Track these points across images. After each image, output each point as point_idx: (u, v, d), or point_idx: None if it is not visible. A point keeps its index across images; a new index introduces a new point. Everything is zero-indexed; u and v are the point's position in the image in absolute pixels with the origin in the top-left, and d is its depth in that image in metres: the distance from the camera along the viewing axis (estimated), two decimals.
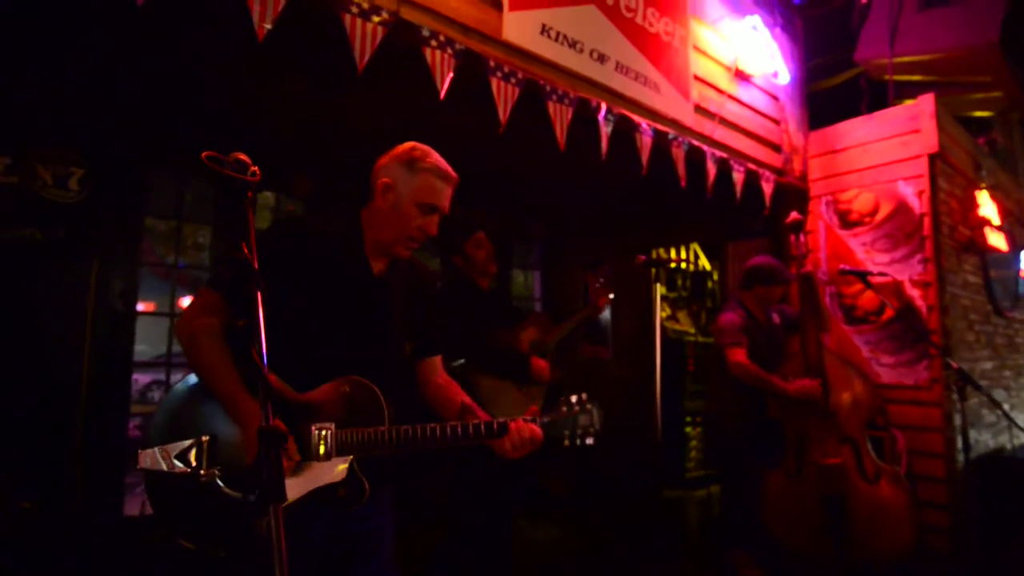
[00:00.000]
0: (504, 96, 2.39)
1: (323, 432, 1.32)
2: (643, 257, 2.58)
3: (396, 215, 1.49)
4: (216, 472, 1.23)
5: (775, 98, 3.95)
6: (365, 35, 2.01)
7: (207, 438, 1.28)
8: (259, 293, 1.09)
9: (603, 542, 3.88)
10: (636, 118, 2.92)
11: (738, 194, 3.51)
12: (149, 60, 2.57)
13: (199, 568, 1.53)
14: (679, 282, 6.01)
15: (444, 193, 1.53)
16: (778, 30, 3.91)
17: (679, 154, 3.13)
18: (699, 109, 3.33)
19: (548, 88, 2.54)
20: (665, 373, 6.09)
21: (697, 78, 3.34)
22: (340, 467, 1.32)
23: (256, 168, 1.22)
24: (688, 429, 5.48)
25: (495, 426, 1.40)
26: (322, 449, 1.31)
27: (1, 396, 2.60)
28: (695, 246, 6.05)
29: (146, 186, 3.50)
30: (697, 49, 3.36)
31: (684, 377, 5.50)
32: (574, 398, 1.43)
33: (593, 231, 5.48)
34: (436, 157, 1.56)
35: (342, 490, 1.31)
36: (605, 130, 2.76)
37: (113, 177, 3.17)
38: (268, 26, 1.83)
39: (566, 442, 1.41)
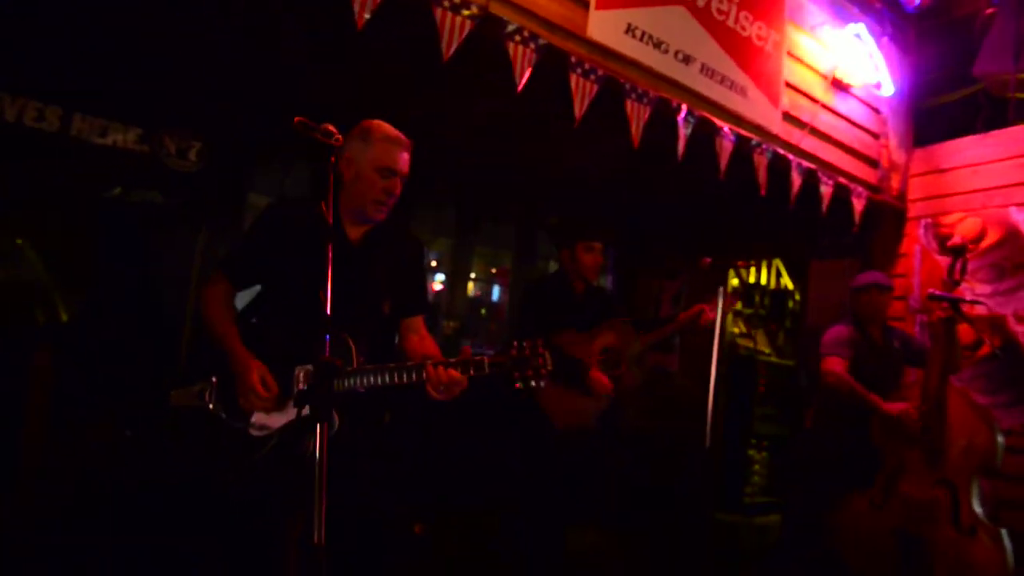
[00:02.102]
0: (582, 92, 2.44)
1: (302, 371, 1.59)
2: (709, 260, 2.54)
3: (360, 183, 1.68)
4: (221, 407, 1.58)
5: (876, 111, 3.74)
6: (454, 28, 2.14)
7: (215, 379, 1.61)
8: (330, 245, 1.24)
9: (646, 555, 3.81)
10: (718, 121, 2.88)
11: (824, 208, 3.36)
12: (258, 53, 2.84)
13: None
14: (757, 299, 5.78)
15: (398, 156, 1.70)
16: (886, 39, 3.70)
17: (761, 161, 3.05)
18: (788, 117, 3.22)
19: (628, 86, 2.56)
20: (733, 392, 5.81)
21: (789, 85, 3.23)
22: None
23: (340, 136, 1.38)
24: (752, 452, 5.26)
25: (413, 371, 1.53)
26: (301, 383, 1.58)
27: (115, 335, 2.96)
28: (777, 263, 5.80)
29: (252, 163, 3.83)
30: (792, 55, 3.26)
31: (753, 398, 5.29)
32: (526, 343, 1.48)
33: (670, 240, 5.40)
34: (387, 127, 1.73)
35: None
36: (684, 132, 2.74)
37: (226, 152, 3.51)
38: (367, 16, 1.99)
39: (517, 384, 1.46)
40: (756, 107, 3.08)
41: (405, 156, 1.73)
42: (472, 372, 1.49)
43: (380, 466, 1.81)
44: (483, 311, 6.08)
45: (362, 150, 1.70)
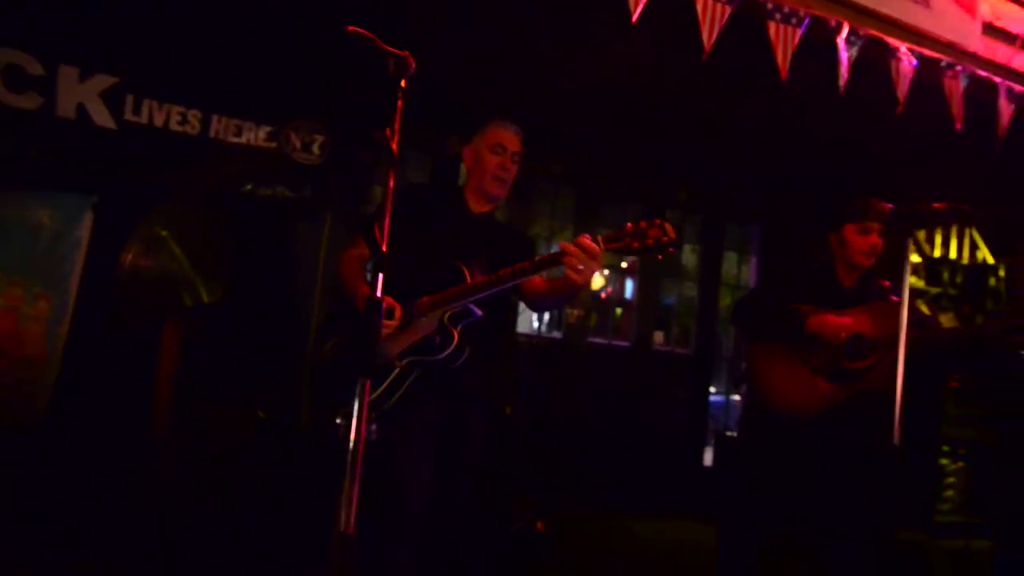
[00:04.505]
0: (711, 18, 2.06)
1: (421, 299, 1.75)
2: (890, 206, 1.97)
3: (478, 164, 1.89)
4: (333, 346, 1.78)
5: None
6: None
7: (345, 333, 1.78)
8: (391, 172, 1.29)
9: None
10: (892, 41, 2.34)
11: None
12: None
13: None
14: (945, 276, 4.81)
15: (507, 135, 1.86)
16: None
17: (954, 87, 2.43)
18: (991, 29, 2.56)
19: (770, 5, 2.14)
20: (916, 388, 4.90)
21: None
22: (433, 320, 1.71)
23: (408, 56, 1.21)
24: (944, 461, 4.40)
25: (549, 257, 1.60)
26: (423, 313, 1.73)
27: (248, 323, 3.13)
28: (972, 231, 4.78)
29: (376, 155, 3.88)
30: None
31: (943, 396, 4.43)
32: (643, 221, 1.48)
33: (825, 200, 4.63)
34: (500, 119, 1.90)
35: (437, 337, 1.68)
36: (845, 56, 2.24)
37: (347, 145, 3.58)
38: None
39: (636, 251, 1.48)
40: (944, 20, 2.46)
41: (514, 133, 1.87)
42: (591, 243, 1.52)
43: (496, 459, 1.75)
44: (619, 311, 5.61)
45: (479, 137, 1.90)
